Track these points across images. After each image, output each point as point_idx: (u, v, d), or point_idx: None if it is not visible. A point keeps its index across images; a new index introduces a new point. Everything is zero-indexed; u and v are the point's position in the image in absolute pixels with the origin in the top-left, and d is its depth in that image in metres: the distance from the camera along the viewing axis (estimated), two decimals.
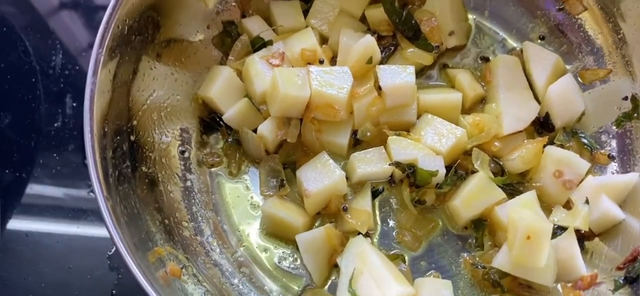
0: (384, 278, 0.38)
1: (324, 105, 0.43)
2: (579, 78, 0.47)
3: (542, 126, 0.47)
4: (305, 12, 0.48)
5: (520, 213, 0.41)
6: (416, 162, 0.44)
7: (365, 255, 0.39)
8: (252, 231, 0.45)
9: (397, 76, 0.44)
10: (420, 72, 0.48)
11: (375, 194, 0.46)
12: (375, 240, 0.45)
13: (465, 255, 0.44)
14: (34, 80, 0.52)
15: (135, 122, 0.42)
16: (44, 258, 0.47)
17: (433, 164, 0.43)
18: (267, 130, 0.45)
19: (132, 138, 0.42)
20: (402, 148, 0.44)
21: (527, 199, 0.43)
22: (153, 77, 0.43)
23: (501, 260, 0.40)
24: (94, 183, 0.33)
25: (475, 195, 0.43)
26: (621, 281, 0.38)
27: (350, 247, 0.40)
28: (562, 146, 0.46)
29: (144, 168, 0.42)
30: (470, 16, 0.49)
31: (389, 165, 0.44)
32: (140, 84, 0.42)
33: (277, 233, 0.45)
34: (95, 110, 0.36)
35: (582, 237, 0.43)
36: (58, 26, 0.54)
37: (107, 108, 0.37)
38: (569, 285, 0.41)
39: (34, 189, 0.48)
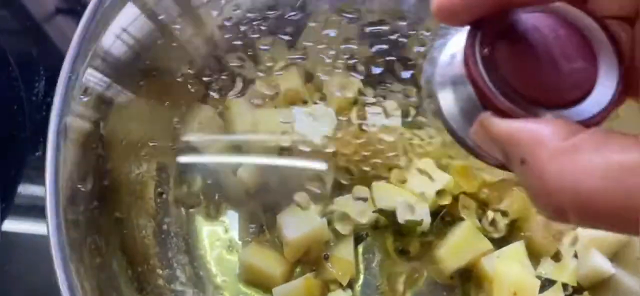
0: None
1: (306, 148, 0.42)
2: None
3: None
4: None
5: (507, 266, 0.40)
6: (400, 209, 0.43)
7: None
8: (230, 279, 0.43)
9: (382, 117, 0.43)
10: (408, 112, 0.47)
11: (359, 240, 0.45)
12: (358, 289, 0.44)
13: None
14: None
15: (108, 166, 0.41)
16: None
17: (418, 213, 0.42)
18: (247, 172, 0.44)
19: (106, 182, 0.41)
20: (386, 195, 0.43)
21: (515, 250, 0.42)
22: (130, 116, 0.42)
23: None
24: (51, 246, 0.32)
25: (461, 245, 0.42)
26: None
27: None
28: None
29: (117, 213, 0.41)
30: None
31: (373, 212, 0.43)
32: (116, 124, 0.41)
33: (256, 281, 0.43)
34: (61, 160, 0.35)
35: (572, 291, 0.42)
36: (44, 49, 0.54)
37: (75, 155, 0.37)
38: None
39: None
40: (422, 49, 0.42)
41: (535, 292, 0.37)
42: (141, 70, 0.43)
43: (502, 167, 0.26)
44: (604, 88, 0.26)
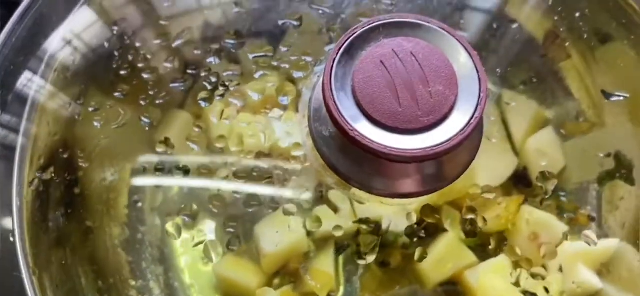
0: None
1: (284, 156, 0.41)
2: (562, 130, 0.45)
3: (519, 182, 0.45)
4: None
5: (491, 281, 0.39)
6: (381, 220, 0.41)
7: None
8: (206, 291, 0.43)
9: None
10: None
11: (340, 250, 0.44)
12: None
13: None
14: None
15: (81, 174, 0.40)
16: None
17: (400, 225, 0.41)
18: (224, 185, 0.42)
19: (77, 191, 0.39)
20: (367, 206, 0.42)
21: (500, 263, 0.40)
22: (105, 121, 0.41)
23: None
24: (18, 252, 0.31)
25: (444, 257, 0.41)
26: None
27: None
28: (541, 203, 0.44)
29: (88, 223, 0.39)
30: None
31: (354, 222, 0.42)
32: (89, 130, 0.40)
33: (232, 294, 0.43)
34: (26, 164, 0.34)
35: None
36: None
37: (45, 161, 0.35)
38: None
39: None
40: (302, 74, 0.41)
41: None
42: (114, 73, 0.42)
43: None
44: (461, 114, 0.25)
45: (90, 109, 0.40)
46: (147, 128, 0.41)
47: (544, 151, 0.41)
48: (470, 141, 0.29)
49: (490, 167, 0.42)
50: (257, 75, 0.42)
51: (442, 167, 0.31)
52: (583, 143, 0.42)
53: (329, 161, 0.28)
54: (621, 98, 0.39)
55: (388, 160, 0.27)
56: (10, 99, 0.39)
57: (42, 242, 0.34)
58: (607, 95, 0.41)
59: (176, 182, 0.42)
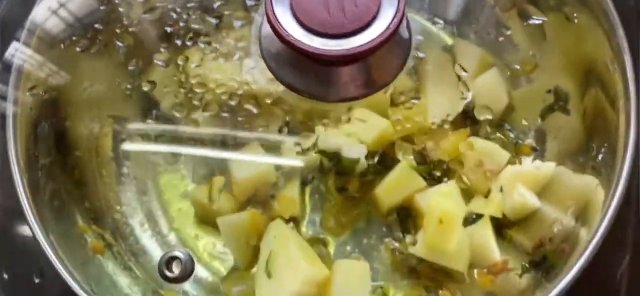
0: (297, 259, 0.39)
1: (254, 96, 0.46)
2: (508, 73, 0.49)
3: (468, 119, 0.48)
4: None
5: (439, 203, 0.42)
6: (340, 150, 0.45)
7: (282, 238, 0.40)
8: (185, 218, 0.46)
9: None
10: None
11: (305, 182, 0.48)
12: (303, 227, 0.47)
13: (387, 241, 0.45)
14: None
15: (68, 123, 0.44)
16: None
17: (356, 152, 0.45)
18: (200, 119, 0.47)
19: (67, 123, 0.44)
20: (327, 138, 0.46)
21: (448, 188, 0.44)
22: (92, 68, 0.46)
23: (416, 246, 0.42)
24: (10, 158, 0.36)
25: (397, 183, 0.44)
26: (527, 266, 0.39)
27: (270, 230, 0.41)
28: (487, 138, 0.47)
29: (77, 153, 0.44)
30: (408, 14, 0.52)
31: (315, 153, 0.46)
32: (74, 77, 0.45)
33: (208, 220, 0.46)
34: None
35: (502, 226, 0.44)
36: None
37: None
38: (484, 271, 0.42)
39: None
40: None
41: (459, 220, 0.39)
42: (95, 27, 0.47)
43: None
44: (382, 22, 0.31)
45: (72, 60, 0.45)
46: (129, 75, 0.46)
47: (489, 90, 0.45)
48: (396, 52, 0.34)
49: (441, 105, 0.46)
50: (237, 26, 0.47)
51: (371, 73, 0.36)
52: (527, 83, 0.46)
53: (277, 74, 0.32)
54: (539, 21, 0.43)
55: (318, 60, 0.32)
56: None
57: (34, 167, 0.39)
58: (525, 17, 0.45)
59: (158, 122, 0.47)
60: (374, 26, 0.30)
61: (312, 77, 0.36)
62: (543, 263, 0.37)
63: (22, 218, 0.38)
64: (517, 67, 0.46)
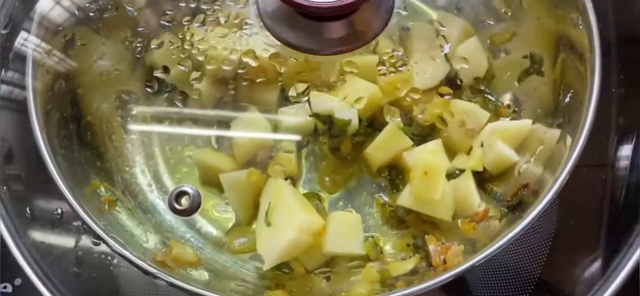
0: (294, 209, 0.42)
1: (259, 67, 0.49)
2: (488, 41, 0.52)
3: (452, 84, 0.52)
4: None
5: (422, 155, 0.45)
6: (332, 113, 0.48)
7: (280, 191, 0.43)
8: (189, 179, 0.49)
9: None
10: None
11: (301, 146, 0.51)
12: (300, 186, 0.50)
13: (378, 196, 0.48)
14: None
15: (80, 91, 0.47)
16: None
17: (347, 114, 0.48)
18: (204, 88, 0.50)
19: (79, 91, 0.47)
20: (321, 102, 0.49)
21: (433, 146, 0.47)
22: (102, 42, 0.49)
23: (404, 198, 0.45)
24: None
25: (385, 142, 0.48)
26: (505, 211, 0.43)
27: (268, 186, 0.45)
28: (469, 101, 0.50)
29: (89, 118, 0.47)
30: None
31: (310, 116, 0.49)
32: (86, 50, 0.48)
33: (211, 180, 0.49)
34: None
35: (484, 180, 0.48)
36: None
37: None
38: (467, 219, 0.46)
39: None
40: None
41: (443, 171, 0.42)
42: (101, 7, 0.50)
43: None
44: None
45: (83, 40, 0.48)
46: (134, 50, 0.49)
47: (470, 56, 0.49)
48: (379, 12, 0.38)
49: (427, 71, 0.49)
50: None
51: (357, 30, 0.40)
52: (505, 51, 0.49)
53: (273, 31, 0.36)
54: None
55: (310, 14, 0.35)
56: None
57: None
58: None
59: (165, 92, 0.50)
60: None
61: (305, 33, 0.40)
62: (518, 207, 0.40)
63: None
64: (496, 35, 0.50)
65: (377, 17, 0.42)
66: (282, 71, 0.48)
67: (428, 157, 0.44)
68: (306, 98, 0.48)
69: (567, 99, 0.43)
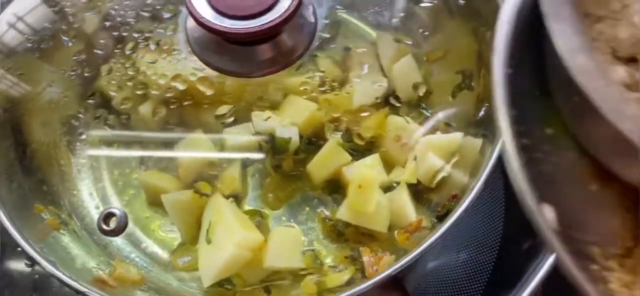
0: (232, 225, 0.43)
1: (195, 90, 0.51)
2: (424, 58, 0.54)
3: (390, 102, 0.54)
4: None
5: (363, 173, 0.47)
6: (274, 131, 0.50)
7: (220, 209, 0.45)
8: (137, 201, 0.50)
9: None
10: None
11: (246, 164, 0.53)
12: (245, 204, 0.51)
13: (319, 210, 0.50)
14: None
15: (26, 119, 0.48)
16: None
17: (288, 133, 0.50)
18: (146, 110, 0.52)
19: (24, 118, 0.48)
20: (262, 121, 0.51)
21: (370, 160, 0.49)
22: (47, 70, 0.50)
23: (342, 211, 0.46)
24: None
25: (326, 159, 0.49)
26: (435, 221, 0.44)
27: (209, 204, 0.46)
28: (405, 117, 0.52)
29: (34, 145, 0.48)
30: (339, 13, 0.57)
31: (252, 135, 0.51)
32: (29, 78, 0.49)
33: (157, 201, 0.50)
34: None
35: (420, 192, 0.49)
36: None
37: None
38: (402, 230, 0.47)
39: None
40: None
41: (376, 184, 0.44)
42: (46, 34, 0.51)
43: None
44: (284, 5, 0.37)
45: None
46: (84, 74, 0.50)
47: (404, 74, 0.51)
48: (303, 33, 0.40)
49: (365, 89, 0.51)
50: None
51: (283, 52, 0.42)
52: (439, 66, 0.52)
53: (200, 56, 0.38)
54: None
55: (229, 38, 0.37)
56: None
57: None
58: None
59: (110, 115, 0.51)
60: (276, 8, 0.35)
61: (232, 58, 0.42)
62: (446, 216, 0.42)
63: None
64: (431, 52, 0.53)
65: (300, 37, 0.44)
66: (227, 93, 0.50)
67: (363, 171, 0.46)
68: (249, 119, 0.51)
69: (483, 112, 0.46)
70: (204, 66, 0.47)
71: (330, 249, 0.47)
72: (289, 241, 0.45)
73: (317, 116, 0.50)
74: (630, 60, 0.32)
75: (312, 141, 0.50)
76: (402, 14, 0.54)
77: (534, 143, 0.31)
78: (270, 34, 0.39)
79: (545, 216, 0.25)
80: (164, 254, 0.47)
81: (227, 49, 0.43)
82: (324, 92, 0.52)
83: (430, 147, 0.47)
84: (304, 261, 0.45)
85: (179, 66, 0.47)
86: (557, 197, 0.29)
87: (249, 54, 0.44)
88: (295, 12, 0.37)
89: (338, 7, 0.52)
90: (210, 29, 0.38)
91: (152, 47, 0.49)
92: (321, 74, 0.52)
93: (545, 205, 0.26)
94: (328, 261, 0.46)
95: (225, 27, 0.39)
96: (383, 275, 0.36)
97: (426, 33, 0.53)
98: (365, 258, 0.42)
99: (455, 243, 0.58)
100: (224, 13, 0.37)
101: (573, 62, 0.26)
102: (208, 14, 0.36)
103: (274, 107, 0.51)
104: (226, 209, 0.44)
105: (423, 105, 0.52)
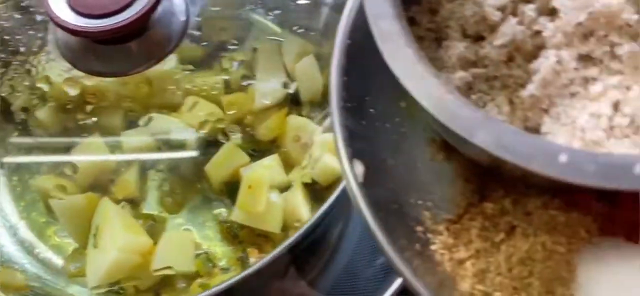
0: (117, 229, 0.43)
1: (94, 92, 0.50)
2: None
3: (293, 102, 0.53)
4: None
5: (258, 173, 0.47)
6: (172, 133, 0.50)
7: (107, 213, 0.44)
8: (34, 208, 0.50)
9: (162, 64, 0.51)
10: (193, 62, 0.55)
11: (145, 168, 0.52)
12: (144, 208, 0.51)
13: (217, 213, 0.49)
14: None
15: None
16: None
17: (186, 135, 0.50)
18: (46, 116, 0.51)
19: None
20: (161, 124, 0.50)
21: (268, 161, 0.49)
22: None
23: (235, 212, 0.46)
24: None
25: (224, 160, 0.49)
26: None
27: (98, 209, 0.45)
28: (307, 117, 0.52)
29: None
30: (250, 13, 0.57)
31: (151, 138, 0.50)
32: None
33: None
34: None
35: (318, 191, 0.49)
36: None
37: None
38: None
39: None
40: None
41: (265, 184, 0.43)
42: None
43: None
44: (139, 5, 0.38)
45: None
46: None
47: (306, 73, 0.51)
48: (172, 30, 0.40)
49: (267, 90, 0.51)
50: None
51: (153, 48, 0.42)
52: None
53: (66, 56, 0.37)
54: None
55: (91, 38, 0.37)
56: None
57: None
58: None
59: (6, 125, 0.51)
60: (132, 7, 0.36)
61: (93, 56, 0.42)
62: None
63: None
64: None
65: (169, 34, 0.44)
66: (124, 95, 0.50)
67: (256, 171, 0.45)
68: (148, 121, 0.50)
69: None
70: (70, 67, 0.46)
71: (226, 251, 0.47)
72: (179, 245, 0.44)
73: (216, 116, 0.50)
74: (478, 39, 0.33)
75: (212, 142, 0.50)
76: (307, 14, 0.54)
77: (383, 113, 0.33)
78: (128, 31, 0.39)
79: (356, 170, 0.27)
80: (58, 260, 0.47)
81: (97, 50, 0.42)
82: (227, 93, 0.52)
83: (326, 146, 0.47)
84: (196, 264, 0.44)
85: (48, 67, 0.47)
86: (402, 160, 0.32)
87: (121, 51, 0.43)
88: (153, 9, 0.37)
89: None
90: (66, 28, 0.38)
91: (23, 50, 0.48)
92: (224, 76, 0.52)
93: (357, 161, 0.27)
94: (222, 263, 0.46)
95: (81, 26, 0.38)
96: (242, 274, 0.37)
97: (329, 32, 0.54)
98: (251, 260, 0.42)
99: None
100: (82, 13, 0.36)
101: (377, 28, 0.26)
102: (65, 14, 0.36)
103: (174, 108, 0.51)
104: (113, 213, 0.43)
105: (324, 104, 0.52)
